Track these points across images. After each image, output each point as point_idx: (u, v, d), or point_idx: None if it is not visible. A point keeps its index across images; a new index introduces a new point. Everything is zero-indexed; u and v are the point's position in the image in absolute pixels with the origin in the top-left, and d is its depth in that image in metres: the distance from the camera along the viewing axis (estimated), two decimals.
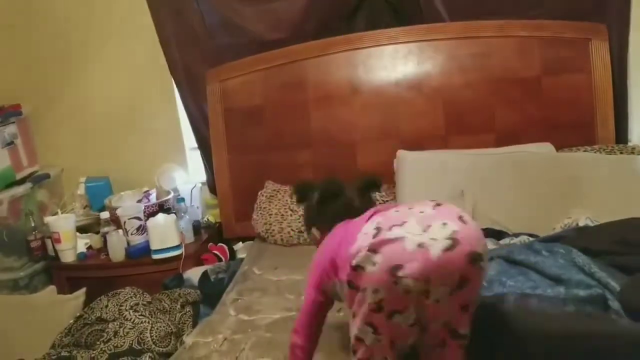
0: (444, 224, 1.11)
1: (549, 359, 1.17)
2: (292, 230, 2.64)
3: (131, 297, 2.21)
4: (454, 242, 1.08)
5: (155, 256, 2.69)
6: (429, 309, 1.13)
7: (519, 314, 1.28)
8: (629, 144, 2.73)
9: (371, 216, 1.25)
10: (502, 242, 2.06)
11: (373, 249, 1.12)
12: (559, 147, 2.62)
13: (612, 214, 1.87)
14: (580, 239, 1.71)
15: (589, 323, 1.26)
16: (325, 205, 1.56)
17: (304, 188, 1.65)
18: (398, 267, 1.08)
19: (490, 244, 2.01)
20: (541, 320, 1.26)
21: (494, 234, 2.20)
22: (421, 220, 1.14)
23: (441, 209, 1.19)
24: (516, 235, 2.12)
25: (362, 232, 1.19)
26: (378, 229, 1.16)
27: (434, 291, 1.10)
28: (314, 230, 1.61)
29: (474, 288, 1.14)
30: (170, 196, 2.95)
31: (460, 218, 1.14)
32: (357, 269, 1.14)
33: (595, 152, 2.55)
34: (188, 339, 1.85)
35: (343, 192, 1.57)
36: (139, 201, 2.98)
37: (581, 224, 2.04)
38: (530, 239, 1.96)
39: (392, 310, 1.13)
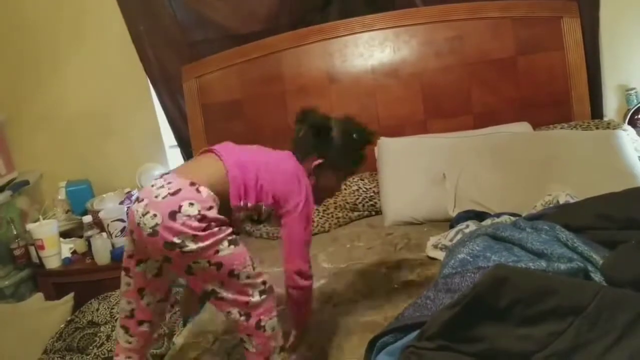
0: (155, 215, 1.39)
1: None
2: None
3: None
4: (153, 230, 1.38)
5: None
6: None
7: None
8: (605, 118, 2.77)
9: (165, 173, 1.53)
10: (484, 222, 2.08)
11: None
12: (536, 126, 2.65)
13: (591, 190, 1.89)
14: (561, 215, 1.74)
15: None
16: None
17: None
18: (130, 229, 1.48)
19: (473, 226, 2.04)
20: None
21: (476, 215, 2.22)
22: (149, 203, 1.42)
23: (172, 198, 1.40)
24: (498, 215, 2.14)
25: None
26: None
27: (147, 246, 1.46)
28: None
29: (163, 253, 1.42)
30: None
31: (173, 214, 1.38)
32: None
33: (571, 129, 2.59)
34: (178, 340, 1.85)
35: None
36: (121, 203, 2.95)
37: (561, 201, 2.07)
38: (512, 218, 1.99)
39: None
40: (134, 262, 1.52)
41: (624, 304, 1.12)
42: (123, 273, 1.54)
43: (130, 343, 1.56)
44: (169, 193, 1.42)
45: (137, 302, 1.54)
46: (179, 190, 1.42)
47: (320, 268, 2.25)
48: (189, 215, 1.38)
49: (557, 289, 1.15)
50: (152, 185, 1.47)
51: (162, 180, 1.48)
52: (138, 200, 1.45)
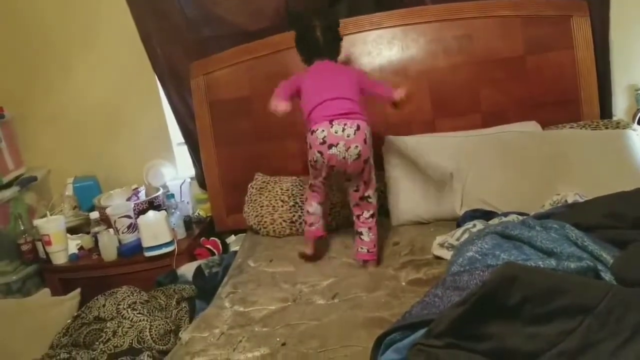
0: (356, 146, 2.08)
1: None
2: (284, 221, 2.64)
3: (128, 295, 2.20)
4: (358, 156, 2.09)
5: (148, 254, 2.69)
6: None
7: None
8: (614, 118, 2.76)
9: (331, 120, 2.09)
10: (491, 222, 2.07)
11: (320, 151, 2.10)
12: (544, 125, 2.64)
13: (600, 189, 1.89)
14: (570, 214, 1.73)
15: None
16: (301, 43, 2.34)
17: (294, 21, 2.44)
18: (331, 165, 2.14)
19: (480, 225, 2.03)
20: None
21: (484, 214, 2.22)
22: (345, 142, 2.07)
23: (359, 133, 2.08)
24: (505, 214, 2.13)
25: (318, 130, 2.10)
26: (324, 141, 2.08)
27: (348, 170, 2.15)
28: (300, 56, 2.37)
29: (363, 168, 2.15)
30: (159, 193, 2.94)
31: (364, 140, 2.09)
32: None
33: (580, 129, 2.57)
34: (185, 335, 1.85)
35: (312, 33, 2.28)
36: (128, 199, 2.96)
37: (570, 200, 2.06)
38: (520, 217, 1.98)
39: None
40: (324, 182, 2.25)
41: (635, 303, 1.12)
42: (319, 181, 2.25)
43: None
44: (355, 130, 2.07)
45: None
46: (359, 127, 2.08)
47: (328, 266, 2.26)
48: (369, 138, 2.12)
49: (567, 288, 1.15)
50: (335, 132, 2.07)
51: (338, 126, 2.08)
52: (330, 145, 2.07)
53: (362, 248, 2.22)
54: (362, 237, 2.22)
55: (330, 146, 2.08)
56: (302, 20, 2.34)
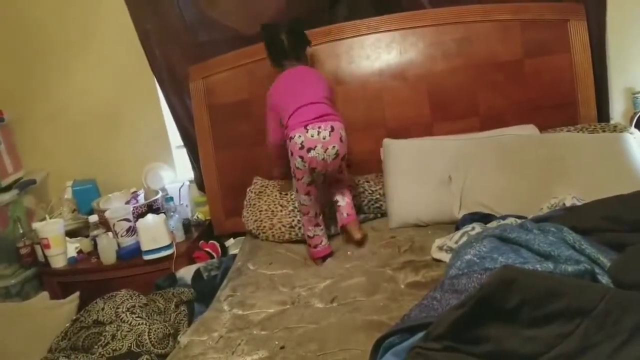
0: (333, 146, 2.21)
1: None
2: (283, 225, 2.64)
3: (127, 299, 2.20)
4: (336, 155, 2.23)
5: (147, 257, 2.69)
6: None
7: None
8: (611, 122, 2.76)
9: (306, 125, 2.21)
10: (489, 225, 2.08)
11: (301, 156, 2.21)
12: (542, 128, 2.64)
13: (597, 192, 1.90)
14: (568, 218, 1.73)
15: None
16: (269, 48, 2.53)
17: (264, 32, 2.55)
18: (312, 168, 2.24)
19: (478, 228, 2.04)
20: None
21: (482, 217, 2.22)
22: (323, 144, 2.19)
23: (333, 134, 2.21)
24: (504, 217, 2.14)
25: (295, 136, 2.21)
26: (302, 145, 2.20)
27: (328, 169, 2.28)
28: (271, 62, 2.56)
29: (340, 165, 2.31)
30: (158, 196, 2.95)
31: (340, 139, 2.23)
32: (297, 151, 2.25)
33: (578, 132, 2.58)
34: (183, 339, 1.86)
35: (277, 37, 2.47)
36: (127, 202, 2.97)
37: (568, 203, 2.06)
38: (518, 221, 1.98)
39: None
40: (313, 186, 2.32)
41: (632, 306, 1.12)
42: (306, 196, 2.33)
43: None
44: (329, 132, 2.20)
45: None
46: (333, 127, 2.21)
47: (326, 268, 2.27)
48: (344, 135, 2.26)
49: (565, 291, 1.15)
50: (312, 136, 2.19)
51: (312, 130, 2.19)
52: (308, 149, 2.19)
53: (341, 214, 2.41)
54: (338, 204, 2.43)
55: (309, 150, 2.21)
56: (267, 28, 2.54)
